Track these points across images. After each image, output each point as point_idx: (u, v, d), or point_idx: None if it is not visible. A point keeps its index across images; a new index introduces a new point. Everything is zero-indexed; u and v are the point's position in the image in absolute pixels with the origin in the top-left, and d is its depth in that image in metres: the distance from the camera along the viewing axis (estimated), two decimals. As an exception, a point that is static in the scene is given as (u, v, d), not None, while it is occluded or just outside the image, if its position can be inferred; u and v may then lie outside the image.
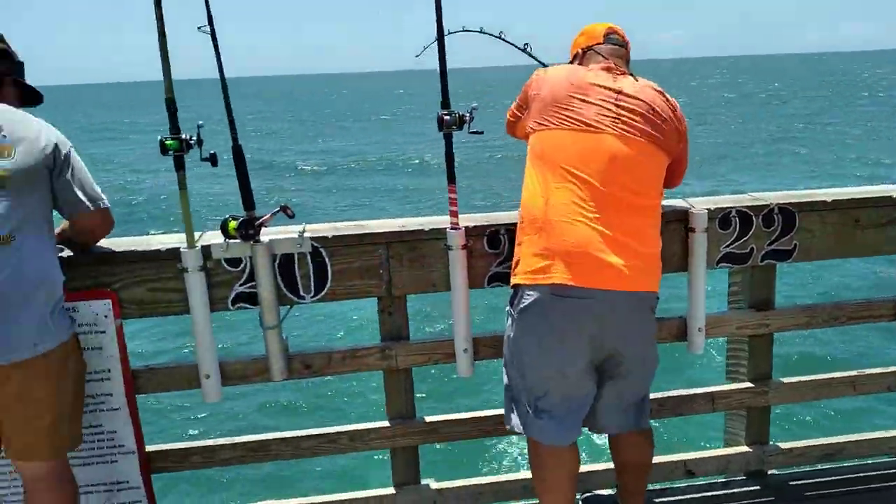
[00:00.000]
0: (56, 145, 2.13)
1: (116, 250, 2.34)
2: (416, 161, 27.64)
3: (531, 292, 2.14)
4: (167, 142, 2.17)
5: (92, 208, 2.19)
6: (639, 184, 2.15)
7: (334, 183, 24.25)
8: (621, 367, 2.22)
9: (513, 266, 2.27)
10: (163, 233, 2.63)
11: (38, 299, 2.03)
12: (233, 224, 2.24)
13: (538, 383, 2.23)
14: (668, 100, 2.22)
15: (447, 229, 2.43)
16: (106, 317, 2.36)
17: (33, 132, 2.10)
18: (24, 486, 2.23)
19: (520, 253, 2.21)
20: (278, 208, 2.23)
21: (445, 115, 2.28)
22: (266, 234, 2.33)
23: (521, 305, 2.17)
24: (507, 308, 2.27)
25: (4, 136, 2.06)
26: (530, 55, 2.56)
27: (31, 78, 2.28)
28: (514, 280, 2.22)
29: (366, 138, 37.07)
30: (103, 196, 2.24)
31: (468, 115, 2.30)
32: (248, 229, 2.23)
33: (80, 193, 2.17)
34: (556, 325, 2.14)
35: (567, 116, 2.17)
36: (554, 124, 2.18)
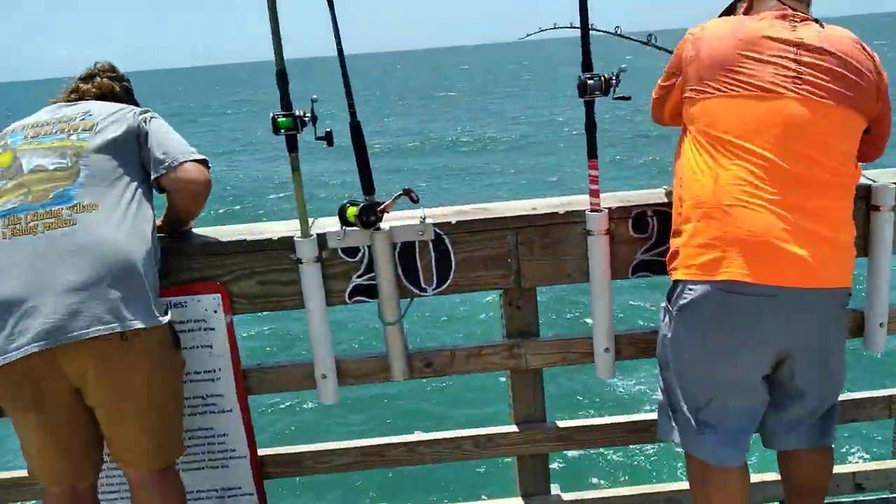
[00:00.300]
0: (138, 112, 2.09)
1: (224, 240, 2.16)
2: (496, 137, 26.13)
3: (696, 287, 1.83)
4: (279, 119, 1.96)
5: (181, 160, 2.02)
6: (828, 157, 1.79)
7: (404, 163, 23.20)
8: (805, 375, 1.88)
9: (668, 257, 1.96)
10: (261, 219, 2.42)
11: (121, 275, 1.84)
12: (352, 210, 2.02)
13: (702, 392, 1.92)
14: (864, 50, 1.85)
15: (587, 211, 2.14)
16: (215, 312, 2.19)
17: (118, 108, 2.09)
18: (130, 491, 2.08)
19: (679, 242, 1.90)
20: (401, 192, 1.99)
21: (589, 78, 1.99)
22: (385, 221, 2.10)
23: (683, 302, 1.86)
24: (664, 304, 1.96)
25: (90, 114, 2.05)
26: (657, 47, 2.28)
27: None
28: (673, 275, 1.91)
29: (430, 116, 35.36)
30: (194, 149, 2.08)
31: (614, 78, 2.00)
32: (370, 216, 2.00)
33: (166, 150, 2.03)
34: (727, 327, 1.82)
35: (736, 80, 1.83)
36: (720, 90, 1.85)
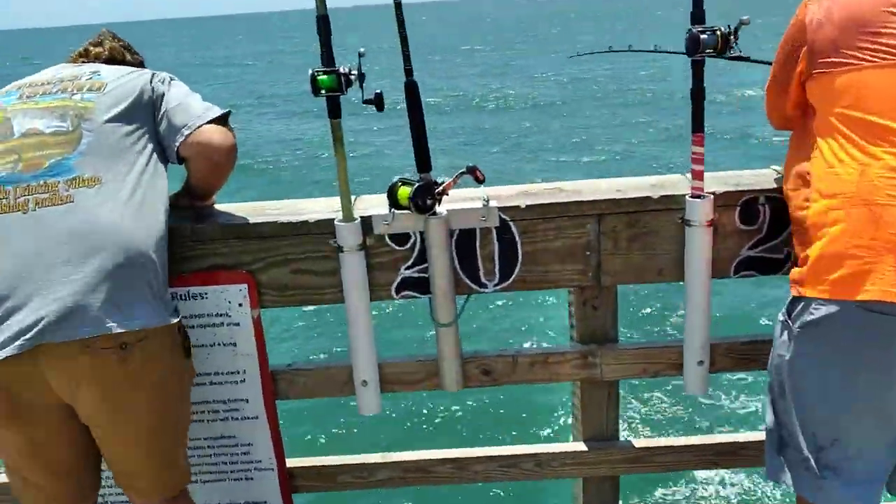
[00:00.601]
0: (153, 74, 1.79)
1: (253, 220, 1.83)
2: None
3: (827, 305, 1.46)
4: (320, 77, 1.61)
5: (199, 123, 1.71)
6: None
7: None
8: None
9: (790, 266, 1.59)
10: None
11: (124, 266, 1.53)
12: (404, 191, 1.67)
13: (826, 429, 1.55)
14: None
15: (687, 197, 1.77)
16: (240, 305, 1.87)
17: (130, 69, 1.81)
18: None
19: (807, 249, 1.51)
20: (464, 170, 1.64)
21: (702, 32, 1.60)
22: (442, 204, 1.75)
23: (810, 318, 1.49)
24: (782, 318, 1.59)
25: (99, 74, 1.74)
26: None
27: None
28: (798, 291, 1.53)
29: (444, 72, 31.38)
30: (214, 106, 1.77)
31: (733, 34, 1.61)
32: (426, 198, 1.65)
33: (183, 114, 1.73)
34: (867, 353, 1.45)
35: (885, 46, 1.44)
36: (864, 60, 1.45)
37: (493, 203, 1.78)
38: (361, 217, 1.77)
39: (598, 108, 19.91)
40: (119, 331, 1.49)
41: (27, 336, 1.43)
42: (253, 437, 2.00)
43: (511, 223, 1.81)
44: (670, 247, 1.83)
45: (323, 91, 1.63)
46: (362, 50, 1.63)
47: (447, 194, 1.68)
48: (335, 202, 1.88)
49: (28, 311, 1.45)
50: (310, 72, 1.62)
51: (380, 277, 1.85)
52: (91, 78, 1.71)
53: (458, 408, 5.34)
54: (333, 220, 1.78)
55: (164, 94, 1.74)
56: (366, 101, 1.64)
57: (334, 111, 1.67)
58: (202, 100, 1.78)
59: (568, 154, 14.60)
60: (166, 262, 1.63)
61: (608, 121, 17.90)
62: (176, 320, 1.61)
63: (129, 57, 1.94)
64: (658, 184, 1.88)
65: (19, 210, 1.52)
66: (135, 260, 1.54)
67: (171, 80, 1.79)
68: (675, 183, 1.87)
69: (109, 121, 1.64)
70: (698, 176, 1.75)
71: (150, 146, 1.70)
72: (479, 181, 1.63)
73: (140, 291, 1.54)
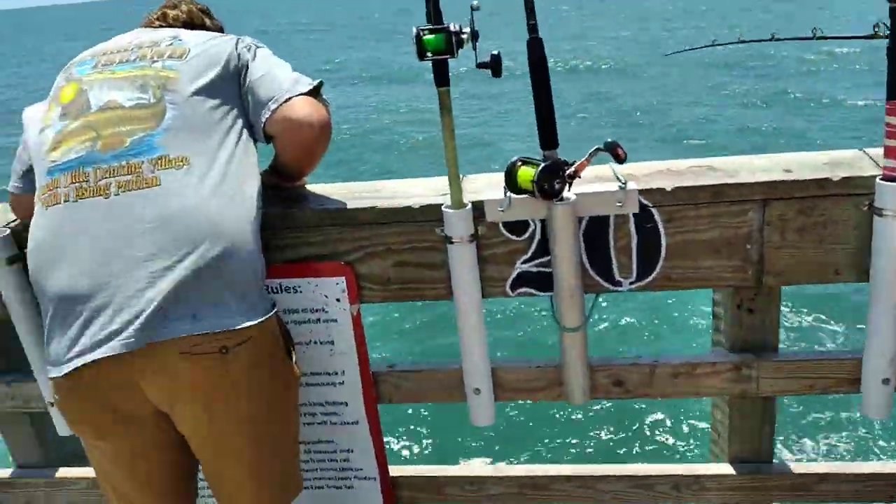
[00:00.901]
0: (238, 39, 1.57)
1: (351, 205, 1.61)
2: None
3: None
4: (426, 37, 1.36)
5: (287, 96, 1.48)
6: None
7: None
8: None
9: None
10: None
11: (220, 257, 1.35)
12: (527, 172, 1.40)
13: None
14: None
15: (877, 180, 1.41)
16: (338, 300, 1.66)
17: (214, 35, 1.59)
18: None
19: None
20: (601, 146, 1.35)
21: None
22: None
23: None
24: None
25: (180, 40, 1.53)
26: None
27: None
28: None
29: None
30: (304, 77, 1.54)
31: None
32: (554, 181, 1.37)
33: (270, 86, 1.50)
34: None
35: None
36: None
37: (631, 185, 1.48)
38: (472, 202, 1.52)
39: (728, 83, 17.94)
40: (218, 331, 1.31)
41: (120, 338, 1.28)
42: (353, 444, 1.81)
43: (653, 209, 1.50)
44: (852, 240, 1.48)
45: (429, 53, 1.37)
46: (476, 2, 1.36)
47: (579, 176, 1.39)
48: (439, 184, 1.64)
49: (116, 311, 1.29)
50: (413, 31, 1.36)
51: (493, 271, 1.60)
52: (172, 44, 1.53)
53: (579, 416, 4.74)
54: (440, 205, 1.53)
55: (248, 64, 1.54)
56: (480, 65, 1.37)
57: (442, 77, 1.41)
58: (291, 70, 1.56)
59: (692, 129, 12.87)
60: (262, 253, 1.45)
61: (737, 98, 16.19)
62: (274, 317, 1.43)
63: (208, 22, 1.75)
64: (833, 161, 1.51)
65: (100, 194, 1.36)
66: (231, 251, 1.35)
67: (257, 47, 1.59)
68: (854, 161, 1.51)
69: (196, 93, 1.45)
70: (893, 154, 1.38)
71: (240, 122, 1.50)
72: (620, 160, 1.34)
73: (238, 287, 1.37)
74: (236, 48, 1.54)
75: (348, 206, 1.60)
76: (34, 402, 1.94)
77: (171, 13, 1.67)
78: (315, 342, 1.71)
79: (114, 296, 1.30)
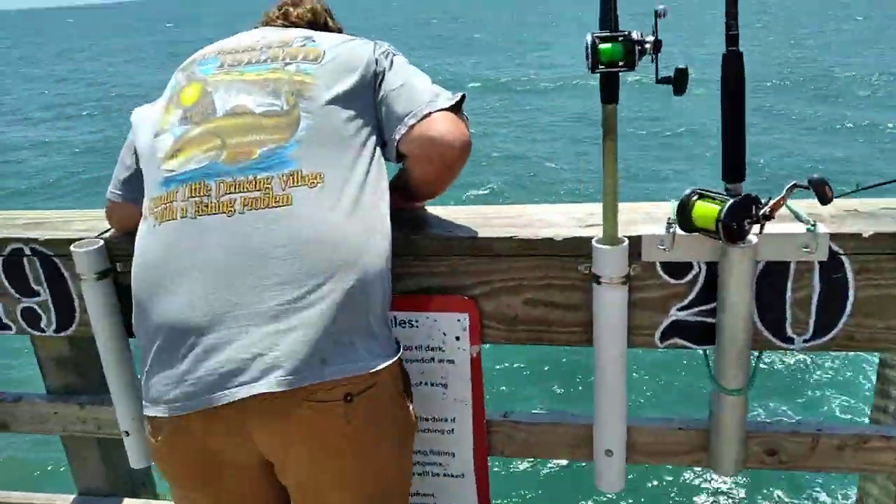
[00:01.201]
0: (376, 43, 1.38)
1: (483, 234, 1.41)
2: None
3: None
4: (602, 46, 1.16)
5: (427, 111, 1.30)
6: None
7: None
8: None
9: None
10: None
11: (355, 291, 1.17)
12: (709, 208, 1.19)
13: None
14: None
15: None
16: (457, 339, 1.47)
17: (347, 38, 1.41)
18: None
19: None
20: (803, 182, 1.14)
21: None
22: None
23: None
24: None
25: (313, 41, 1.35)
26: None
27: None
28: None
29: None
30: (444, 90, 1.35)
31: None
32: (744, 220, 1.16)
33: (408, 99, 1.32)
34: None
35: None
36: None
37: (821, 228, 1.26)
38: (628, 237, 1.31)
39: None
40: (344, 377, 1.13)
41: (238, 380, 1.10)
42: (457, 498, 1.61)
43: (844, 257, 1.28)
44: None
45: (601, 66, 1.17)
46: (661, 7, 1.15)
47: (773, 218, 1.18)
48: (580, 211, 1.45)
49: (236, 348, 1.11)
50: (588, 38, 1.16)
51: (641, 318, 1.39)
52: (304, 45, 1.35)
53: (718, 485, 3.98)
54: (588, 239, 1.33)
55: (385, 72, 1.35)
56: (661, 81, 1.17)
57: (611, 92, 1.22)
58: (430, 81, 1.37)
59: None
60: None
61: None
62: (399, 355, 1.24)
63: (330, 23, 1.58)
64: None
65: (223, 211, 1.18)
66: (365, 284, 1.17)
67: (394, 54, 1.40)
68: None
69: (332, 101, 1.27)
70: None
71: (374, 137, 1.32)
72: (826, 200, 1.12)
73: (368, 324, 1.19)
74: (374, 53, 1.36)
75: (480, 235, 1.41)
76: (107, 428, 1.78)
77: (295, 11, 1.49)
78: (426, 384, 1.51)
79: (235, 330, 1.12)
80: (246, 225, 1.17)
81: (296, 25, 1.51)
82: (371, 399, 1.19)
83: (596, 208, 1.43)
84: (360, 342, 1.18)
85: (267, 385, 1.11)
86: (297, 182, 1.20)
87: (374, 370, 1.17)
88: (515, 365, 5.16)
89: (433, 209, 1.54)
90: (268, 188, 1.19)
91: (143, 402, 1.22)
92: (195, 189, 1.21)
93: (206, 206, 1.20)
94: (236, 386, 1.11)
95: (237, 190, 1.20)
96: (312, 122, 1.25)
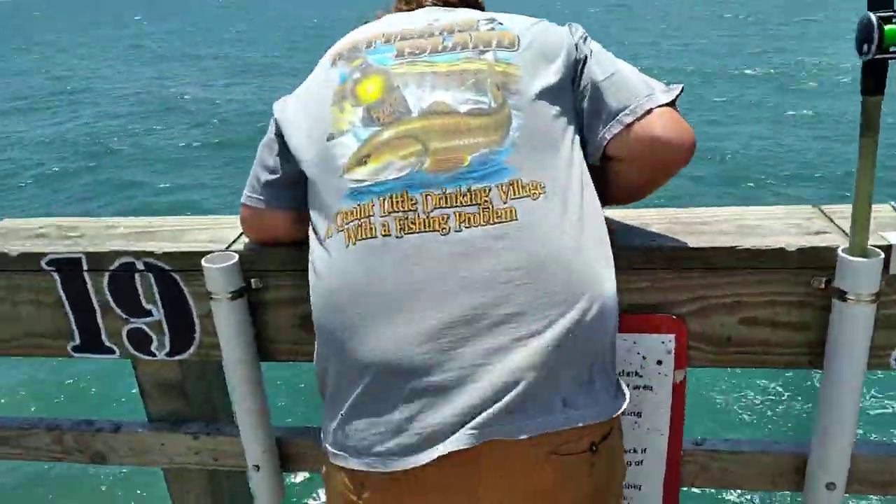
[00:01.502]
0: (571, 25, 1.21)
1: (694, 243, 1.24)
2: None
3: None
4: (888, 27, 0.98)
5: (647, 106, 1.11)
6: None
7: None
8: None
9: None
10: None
11: (594, 323, 1.00)
12: None
13: None
14: None
15: None
16: (659, 363, 1.30)
17: (535, 20, 1.21)
18: None
19: None
20: None
21: None
22: None
23: None
24: None
25: (501, 24, 1.15)
26: None
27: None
28: None
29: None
30: (656, 81, 1.17)
31: None
32: None
33: (620, 91, 1.13)
34: None
35: None
36: None
37: None
38: (882, 246, 1.14)
39: None
40: (590, 422, 0.97)
41: (470, 428, 0.93)
42: (638, 536, 1.45)
43: None
44: None
45: (878, 47, 0.99)
46: None
47: None
48: (798, 214, 1.28)
49: (468, 391, 0.94)
50: (871, 18, 0.99)
51: (882, 338, 1.22)
52: (493, 28, 1.16)
53: None
54: (826, 248, 1.16)
55: (586, 59, 1.16)
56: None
57: (879, 82, 1.04)
58: (636, 70, 1.19)
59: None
60: None
61: None
62: (626, 399, 1.07)
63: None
64: None
65: (434, 229, 1.00)
66: (604, 310, 1.01)
67: (586, 36, 1.21)
68: None
69: (539, 95, 1.08)
70: None
71: (578, 136, 1.14)
72: None
73: (607, 359, 1.03)
74: (573, 37, 1.17)
75: (691, 245, 1.23)
76: (224, 458, 1.60)
77: None
78: (618, 413, 1.34)
79: (467, 371, 0.95)
80: (467, 246, 0.99)
81: (449, 3, 1.31)
82: (609, 447, 1.03)
83: (808, 210, 1.27)
84: (599, 380, 1.01)
85: (505, 432, 0.94)
86: (519, 193, 1.02)
87: (618, 413, 1.01)
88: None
89: (617, 213, 1.35)
90: (486, 201, 1.01)
91: (331, 449, 1.05)
92: (397, 202, 1.03)
93: (413, 223, 1.02)
94: (469, 434, 0.94)
95: (449, 204, 1.01)
96: (523, 121, 1.07)
